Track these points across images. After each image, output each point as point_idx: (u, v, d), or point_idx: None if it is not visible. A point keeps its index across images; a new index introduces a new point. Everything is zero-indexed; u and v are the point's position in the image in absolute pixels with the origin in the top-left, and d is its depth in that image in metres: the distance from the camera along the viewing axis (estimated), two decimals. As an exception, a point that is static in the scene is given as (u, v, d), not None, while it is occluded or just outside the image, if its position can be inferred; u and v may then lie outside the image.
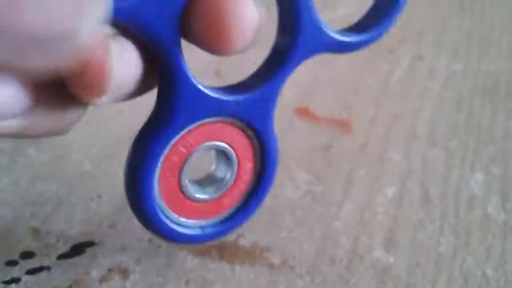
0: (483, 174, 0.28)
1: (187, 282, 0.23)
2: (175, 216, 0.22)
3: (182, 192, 0.22)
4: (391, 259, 0.24)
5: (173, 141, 0.21)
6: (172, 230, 0.22)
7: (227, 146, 0.22)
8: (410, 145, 0.30)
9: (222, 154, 0.23)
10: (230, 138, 0.22)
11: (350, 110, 0.33)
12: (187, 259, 0.24)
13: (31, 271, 0.24)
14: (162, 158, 0.21)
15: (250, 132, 0.22)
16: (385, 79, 0.35)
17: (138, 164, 0.21)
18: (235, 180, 0.23)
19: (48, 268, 0.24)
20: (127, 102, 0.20)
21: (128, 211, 0.22)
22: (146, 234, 0.25)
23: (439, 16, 0.41)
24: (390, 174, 0.28)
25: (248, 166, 0.23)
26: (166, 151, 0.21)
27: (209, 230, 0.23)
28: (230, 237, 0.25)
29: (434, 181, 0.28)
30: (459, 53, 0.37)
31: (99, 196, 0.27)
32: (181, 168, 0.22)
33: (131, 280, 0.23)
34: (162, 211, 0.22)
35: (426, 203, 0.27)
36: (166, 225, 0.22)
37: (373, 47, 0.38)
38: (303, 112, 0.32)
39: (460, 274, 0.24)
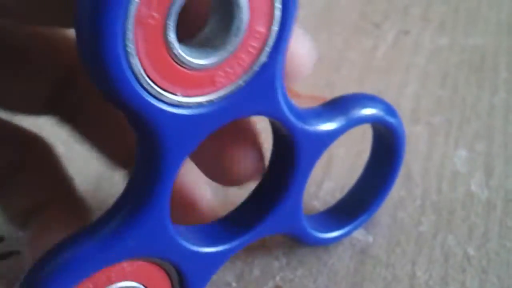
0: (467, 150, 0.27)
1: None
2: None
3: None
4: (370, 239, 0.23)
5: None
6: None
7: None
8: (393, 122, 0.29)
9: None
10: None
11: (333, 87, 0.32)
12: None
13: (1, 256, 0.23)
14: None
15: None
16: (369, 55, 0.34)
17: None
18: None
19: (17, 252, 0.23)
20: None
21: (101, 196, 0.21)
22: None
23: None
24: (372, 152, 0.27)
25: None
26: None
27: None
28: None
29: (417, 158, 0.27)
30: (445, 28, 0.36)
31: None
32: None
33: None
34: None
35: (407, 181, 0.26)
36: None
37: (357, 22, 0.37)
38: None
39: (441, 253, 0.23)
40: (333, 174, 0.26)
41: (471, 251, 0.23)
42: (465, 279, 0.22)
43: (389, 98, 0.30)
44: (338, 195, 0.25)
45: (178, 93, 0.15)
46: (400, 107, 0.30)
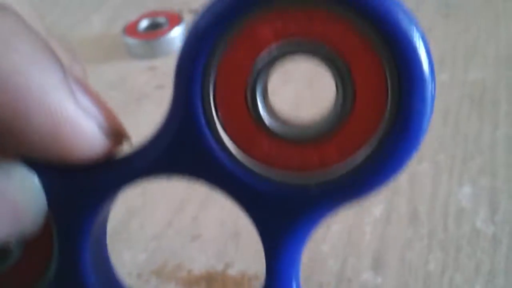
0: (471, 186, 0.28)
1: (175, 316, 0.23)
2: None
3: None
4: (379, 280, 0.24)
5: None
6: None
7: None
8: (398, 161, 0.30)
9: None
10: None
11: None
12: (175, 292, 0.24)
13: None
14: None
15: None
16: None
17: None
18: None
19: None
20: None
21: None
22: (135, 269, 0.25)
23: (424, 26, 0.41)
24: (378, 193, 0.28)
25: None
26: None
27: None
28: (218, 267, 0.25)
29: (422, 197, 0.28)
30: (445, 63, 0.37)
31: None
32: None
33: (119, 317, 0.23)
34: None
35: (414, 220, 0.26)
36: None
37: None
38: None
39: (449, 292, 0.23)
40: (339, 216, 0.27)
41: (479, 288, 0.23)
42: (474, 317, 0.22)
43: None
44: (346, 237, 0.26)
45: None
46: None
